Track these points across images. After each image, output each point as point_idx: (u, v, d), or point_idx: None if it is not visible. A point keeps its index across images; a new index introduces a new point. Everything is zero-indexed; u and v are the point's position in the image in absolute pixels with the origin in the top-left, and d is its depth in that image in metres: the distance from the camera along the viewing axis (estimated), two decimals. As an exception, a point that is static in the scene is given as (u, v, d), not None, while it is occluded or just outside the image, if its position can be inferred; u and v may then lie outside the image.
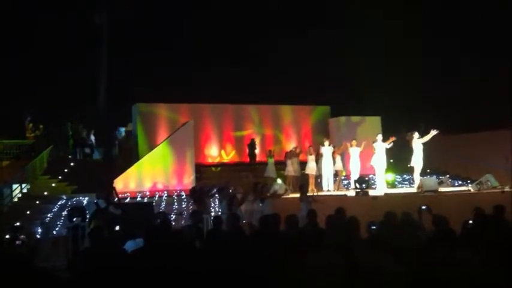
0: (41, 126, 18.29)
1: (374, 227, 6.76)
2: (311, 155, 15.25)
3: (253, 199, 10.94)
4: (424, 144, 13.88)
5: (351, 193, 13.75)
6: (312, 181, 14.98)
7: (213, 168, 18.52)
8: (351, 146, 15.28)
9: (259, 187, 11.52)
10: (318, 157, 15.26)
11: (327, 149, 15.15)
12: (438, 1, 21.70)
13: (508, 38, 17.83)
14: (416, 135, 14.00)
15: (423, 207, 6.51)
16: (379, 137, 14.64)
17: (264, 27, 22.39)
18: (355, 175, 14.81)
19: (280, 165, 16.28)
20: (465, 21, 20.03)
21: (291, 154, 16.02)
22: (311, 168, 15.13)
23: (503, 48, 18.64)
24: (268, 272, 3.74)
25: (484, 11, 19.80)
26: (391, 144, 14.45)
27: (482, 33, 20.00)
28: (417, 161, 13.89)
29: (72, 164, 16.39)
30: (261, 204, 10.73)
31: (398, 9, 20.96)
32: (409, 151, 14.28)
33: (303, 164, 15.55)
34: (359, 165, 15.15)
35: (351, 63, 20.95)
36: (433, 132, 13.69)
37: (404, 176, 17.27)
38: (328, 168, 15.10)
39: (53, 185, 15.03)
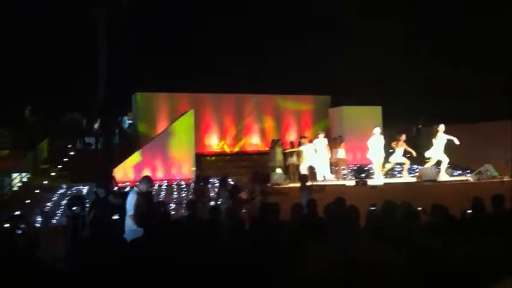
0: (42, 116, 18.21)
1: (373, 208, 6.82)
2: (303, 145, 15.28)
3: (252, 189, 10.93)
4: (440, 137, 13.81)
5: (350, 183, 13.76)
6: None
7: (216, 158, 18.50)
8: (317, 137, 15.31)
9: (259, 178, 11.51)
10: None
11: (321, 141, 15.15)
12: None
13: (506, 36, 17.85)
14: (442, 127, 13.87)
15: (418, 208, 6.54)
16: (377, 130, 14.56)
17: (264, 21, 22.27)
18: (325, 167, 15.07)
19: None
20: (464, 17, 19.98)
21: (294, 144, 16.10)
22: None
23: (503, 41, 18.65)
24: (266, 263, 3.74)
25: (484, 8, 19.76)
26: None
27: (481, 31, 19.92)
28: (437, 154, 13.78)
29: (72, 153, 16.39)
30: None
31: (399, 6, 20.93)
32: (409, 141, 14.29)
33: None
34: (327, 157, 15.27)
35: (352, 54, 20.87)
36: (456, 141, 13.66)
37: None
38: (322, 159, 15.09)
39: (53, 174, 15.05)
